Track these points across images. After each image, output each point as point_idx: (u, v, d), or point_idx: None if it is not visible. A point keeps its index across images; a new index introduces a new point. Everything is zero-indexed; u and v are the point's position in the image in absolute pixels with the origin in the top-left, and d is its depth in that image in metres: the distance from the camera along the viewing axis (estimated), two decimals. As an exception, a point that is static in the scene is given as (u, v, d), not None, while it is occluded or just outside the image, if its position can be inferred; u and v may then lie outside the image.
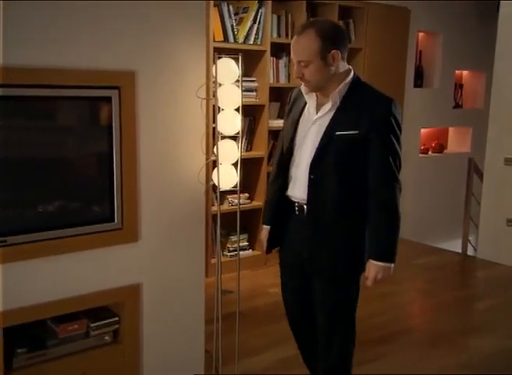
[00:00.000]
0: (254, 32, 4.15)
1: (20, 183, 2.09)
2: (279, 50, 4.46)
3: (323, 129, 2.00)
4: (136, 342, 2.38)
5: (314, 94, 2.06)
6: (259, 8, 4.14)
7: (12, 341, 2.11)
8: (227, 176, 2.57)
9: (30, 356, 2.13)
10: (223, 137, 2.54)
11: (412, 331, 3.44)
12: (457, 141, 6.21)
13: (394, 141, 1.97)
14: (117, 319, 2.35)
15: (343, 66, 2.02)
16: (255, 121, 4.43)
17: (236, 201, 4.16)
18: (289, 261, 2.22)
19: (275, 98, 4.48)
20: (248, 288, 3.75)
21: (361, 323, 3.44)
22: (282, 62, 4.49)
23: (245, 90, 3.88)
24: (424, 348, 3.19)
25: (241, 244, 4.30)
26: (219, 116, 2.51)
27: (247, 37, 4.14)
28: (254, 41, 4.17)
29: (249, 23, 4.13)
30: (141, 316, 2.38)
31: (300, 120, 2.10)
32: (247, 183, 4.36)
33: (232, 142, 2.56)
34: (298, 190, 2.08)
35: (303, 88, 2.08)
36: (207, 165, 2.49)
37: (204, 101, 2.40)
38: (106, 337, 2.32)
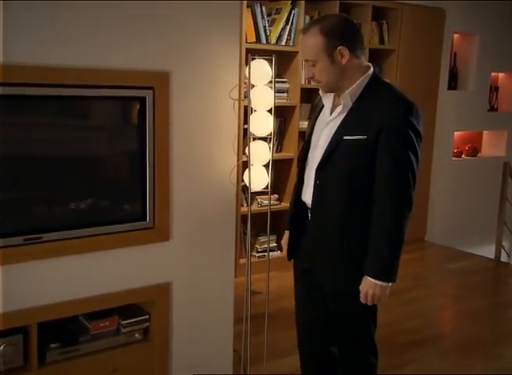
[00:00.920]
0: (287, 33, 4.15)
1: (56, 181, 2.13)
2: (311, 51, 4.43)
3: (333, 132, 1.87)
4: (166, 340, 2.40)
5: (331, 95, 1.93)
6: (292, 9, 4.13)
7: (45, 336, 2.15)
8: (258, 177, 2.58)
9: (62, 351, 2.17)
10: (255, 138, 2.54)
11: (442, 337, 3.38)
12: (492, 145, 6.08)
13: (407, 151, 1.78)
14: (147, 317, 2.37)
15: (358, 63, 1.85)
16: (286, 122, 4.42)
17: (265, 202, 4.16)
18: (299, 270, 2.10)
19: (306, 100, 4.46)
20: (276, 289, 3.74)
21: (390, 328, 3.43)
22: (314, 63, 4.46)
23: (276, 91, 3.87)
24: (454, 355, 3.13)
25: (270, 246, 4.30)
26: (252, 117, 2.52)
27: (279, 38, 4.13)
28: (287, 42, 4.17)
29: (281, 24, 4.12)
30: (171, 315, 2.40)
31: (317, 122, 2.00)
32: (276, 185, 4.36)
33: (263, 143, 2.56)
34: (308, 195, 1.96)
35: (320, 89, 1.97)
36: (238, 166, 2.50)
37: (237, 102, 2.41)
38: (136, 335, 2.35)
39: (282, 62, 4.27)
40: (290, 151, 4.39)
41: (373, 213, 1.82)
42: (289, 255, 2.12)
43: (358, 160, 1.82)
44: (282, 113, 4.33)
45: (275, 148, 4.31)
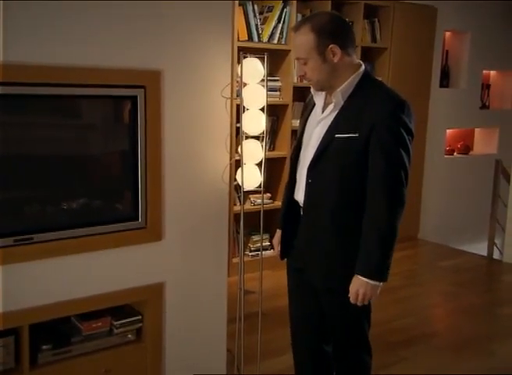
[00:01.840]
0: (279, 31, 4.14)
1: (47, 181, 2.12)
2: (304, 49, 4.43)
3: (325, 130, 1.85)
4: (159, 340, 2.39)
5: (323, 93, 1.92)
6: (284, 7, 4.13)
7: (37, 338, 2.13)
8: (251, 176, 2.57)
9: (54, 352, 2.15)
10: (247, 137, 2.53)
11: (435, 335, 3.39)
12: (484, 142, 6.10)
13: (399, 149, 1.76)
14: (140, 317, 2.36)
15: (350, 61, 1.84)
16: (278, 121, 4.41)
17: (258, 200, 4.16)
18: (292, 269, 2.09)
19: (299, 98, 4.45)
20: (270, 288, 3.73)
21: (383, 326, 3.44)
22: (307, 61, 4.46)
23: (269, 89, 3.85)
24: (447, 353, 3.14)
25: (263, 244, 4.29)
26: (244, 116, 2.51)
27: (271, 37, 4.13)
28: (279, 40, 4.16)
29: (273, 23, 4.11)
30: (164, 315, 2.38)
31: (308, 121, 1.98)
32: (269, 183, 4.35)
33: (256, 142, 2.55)
34: (300, 194, 1.94)
35: (312, 87, 1.95)
36: (230, 164, 2.49)
37: (229, 101, 2.40)
38: (129, 335, 2.33)
39: (275, 61, 4.26)
40: (283, 150, 4.38)
41: (365, 212, 1.81)
42: (282, 255, 2.11)
43: (350, 158, 1.81)
44: (274, 112, 4.32)
45: (267, 147, 4.30)
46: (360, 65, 1.88)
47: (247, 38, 3.98)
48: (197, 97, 2.33)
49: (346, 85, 1.83)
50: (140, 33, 2.14)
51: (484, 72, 5.78)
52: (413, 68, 5.03)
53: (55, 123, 2.15)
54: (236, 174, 2.60)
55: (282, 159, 4.37)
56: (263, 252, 3.99)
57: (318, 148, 1.86)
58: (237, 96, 2.62)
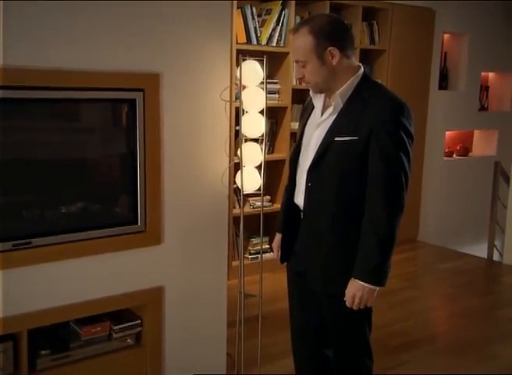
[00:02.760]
0: (277, 34, 4.13)
1: (46, 185, 2.11)
2: (302, 52, 4.43)
3: (324, 133, 1.84)
4: (159, 345, 2.37)
5: (322, 95, 1.90)
6: (282, 9, 4.12)
7: (36, 343, 2.12)
8: (250, 179, 2.56)
9: (53, 358, 2.14)
10: (246, 140, 2.52)
11: (436, 338, 3.38)
12: (483, 144, 6.09)
13: (398, 152, 1.75)
14: (139, 321, 2.35)
15: (349, 63, 1.83)
16: (277, 123, 4.41)
17: (257, 203, 4.15)
18: (293, 273, 2.07)
19: (298, 101, 4.45)
20: (270, 291, 3.72)
21: (384, 329, 3.42)
22: (305, 64, 4.45)
23: (268, 92, 3.85)
24: (448, 356, 3.13)
25: (263, 247, 4.28)
26: (243, 119, 2.50)
27: (269, 39, 4.12)
28: (277, 42, 4.15)
29: (272, 25, 4.11)
30: (163, 319, 2.37)
31: (308, 124, 1.96)
32: (268, 186, 4.34)
33: (255, 145, 2.54)
34: (300, 197, 1.93)
35: (310, 90, 1.94)
36: (230, 167, 2.48)
37: (228, 104, 2.39)
38: (128, 340, 2.32)
39: (273, 63, 4.25)
40: (282, 153, 4.37)
41: (364, 215, 1.79)
42: (282, 259, 2.10)
43: (350, 161, 1.79)
44: (273, 114, 4.31)
45: (267, 150, 4.29)
46: (360, 67, 1.86)
47: (245, 41, 3.98)
48: (196, 100, 2.32)
49: (345, 87, 1.82)
50: (138, 36, 2.13)
51: (483, 74, 5.78)
52: (411, 70, 5.02)
53: (54, 127, 2.14)
54: (235, 177, 2.59)
55: (281, 162, 4.36)
56: (263, 255, 3.97)
57: (317, 152, 1.84)
58: (236, 99, 2.62)
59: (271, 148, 4.42)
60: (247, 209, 4.09)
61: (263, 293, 2.71)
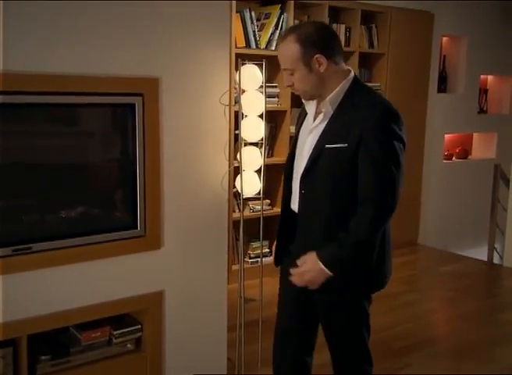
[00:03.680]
0: (276, 38, 4.14)
1: (45, 189, 2.11)
2: (301, 55, 4.44)
3: (316, 140, 1.83)
4: (159, 350, 2.37)
5: (314, 101, 1.90)
6: (281, 13, 4.12)
7: (36, 348, 2.11)
8: (250, 183, 2.56)
9: (53, 363, 2.13)
10: (246, 144, 2.52)
11: (437, 341, 3.37)
12: (482, 147, 6.10)
13: (388, 162, 1.72)
14: (139, 326, 2.34)
15: (337, 69, 1.82)
16: (277, 127, 4.41)
17: (257, 207, 4.14)
18: (286, 276, 2.00)
19: (297, 104, 4.45)
20: (270, 295, 3.69)
21: (385, 332, 3.42)
22: (304, 67, 4.46)
23: (267, 96, 3.86)
24: (449, 358, 3.12)
25: (262, 251, 4.28)
26: (243, 123, 2.50)
27: (268, 43, 4.13)
28: (276, 46, 4.15)
29: (271, 29, 4.11)
30: (164, 324, 2.37)
31: (301, 130, 1.96)
32: (268, 190, 4.33)
33: (255, 149, 2.54)
34: (296, 203, 1.93)
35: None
36: (229, 171, 2.48)
37: (227, 108, 2.39)
38: (128, 345, 2.32)
39: (272, 67, 4.22)
40: (282, 156, 4.36)
41: (352, 219, 1.77)
42: (277, 262, 2.10)
43: (341, 168, 1.78)
44: (273, 118, 4.31)
45: (266, 154, 4.29)
46: (350, 71, 1.86)
47: (244, 45, 3.98)
48: (195, 104, 2.32)
49: (335, 94, 1.81)
50: (136, 40, 2.14)
51: (482, 76, 5.79)
52: (410, 73, 5.03)
53: (54, 132, 2.14)
54: (235, 181, 2.59)
55: (281, 166, 4.34)
56: (263, 259, 3.97)
57: (309, 159, 1.84)
58: (236, 103, 2.62)
59: (270, 152, 4.42)
60: (247, 213, 4.08)
61: (263, 297, 2.70)
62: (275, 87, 4.28)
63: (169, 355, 2.40)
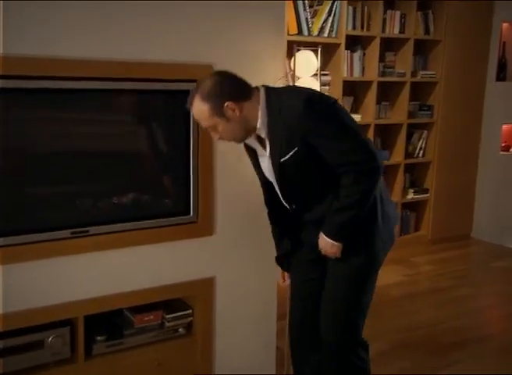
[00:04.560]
0: (329, 24, 4.08)
1: (100, 176, 2.14)
2: (354, 43, 4.36)
3: (271, 162, 1.93)
4: (209, 335, 2.39)
5: (252, 136, 1.95)
6: (334, 0, 4.05)
7: (92, 329, 2.17)
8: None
9: (108, 344, 2.18)
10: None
11: (489, 337, 3.27)
12: (542, 138, 5.84)
13: (338, 129, 1.81)
14: (191, 311, 2.37)
15: (250, 103, 1.85)
16: (328, 115, 4.35)
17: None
18: (301, 262, 2.18)
19: (349, 93, 4.39)
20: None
21: (436, 327, 3.35)
22: (357, 55, 4.38)
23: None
24: (501, 356, 3.02)
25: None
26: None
27: (321, 30, 4.07)
28: (329, 33, 4.09)
29: (324, 16, 4.05)
30: (214, 310, 2.38)
31: (259, 160, 2.03)
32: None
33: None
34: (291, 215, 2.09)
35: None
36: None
37: (281, 95, 2.36)
38: (180, 329, 2.35)
39: (325, 54, 4.17)
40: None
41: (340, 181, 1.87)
42: (287, 267, 2.23)
43: (308, 168, 1.88)
44: (324, 107, 4.26)
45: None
46: (258, 90, 1.88)
47: (296, 32, 3.94)
48: (249, 91, 2.30)
49: (260, 118, 1.85)
50: (190, 26, 2.14)
51: (543, 64, 5.53)
52: (468, 61, 4.86)
53: (108, 120, 2.17)
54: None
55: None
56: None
57: (276, 180, 1.95)
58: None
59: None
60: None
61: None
62: (327, 75, 4.22)
63: (219, 340, 2.42)
